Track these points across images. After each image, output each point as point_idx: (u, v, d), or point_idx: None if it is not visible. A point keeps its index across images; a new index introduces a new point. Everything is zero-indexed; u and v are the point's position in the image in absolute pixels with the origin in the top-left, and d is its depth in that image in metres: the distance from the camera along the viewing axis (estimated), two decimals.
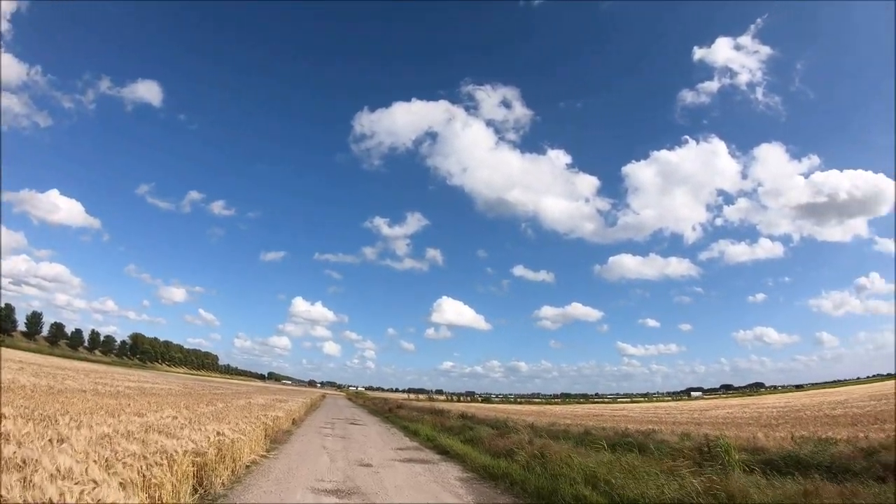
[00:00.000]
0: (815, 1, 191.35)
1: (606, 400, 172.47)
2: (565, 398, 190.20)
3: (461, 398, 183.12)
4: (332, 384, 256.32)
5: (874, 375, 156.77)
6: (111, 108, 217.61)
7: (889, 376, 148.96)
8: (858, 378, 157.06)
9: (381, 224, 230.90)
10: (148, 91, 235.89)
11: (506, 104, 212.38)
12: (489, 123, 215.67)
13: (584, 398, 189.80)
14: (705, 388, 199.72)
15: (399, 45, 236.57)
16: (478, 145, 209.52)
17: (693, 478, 10.60)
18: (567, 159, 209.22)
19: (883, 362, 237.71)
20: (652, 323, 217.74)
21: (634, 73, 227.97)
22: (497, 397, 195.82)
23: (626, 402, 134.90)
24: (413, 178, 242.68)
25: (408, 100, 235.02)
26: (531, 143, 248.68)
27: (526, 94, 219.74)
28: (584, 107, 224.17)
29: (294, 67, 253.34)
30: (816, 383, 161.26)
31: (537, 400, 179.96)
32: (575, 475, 12.23)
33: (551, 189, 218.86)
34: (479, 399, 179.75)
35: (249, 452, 13.93)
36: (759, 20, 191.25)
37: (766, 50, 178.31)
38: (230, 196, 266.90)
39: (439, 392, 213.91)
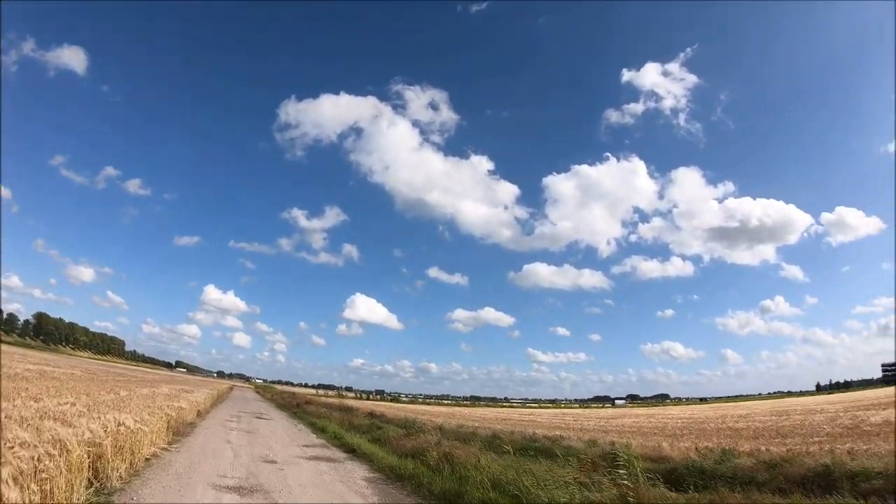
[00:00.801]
0: (742, 38, 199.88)
1: (515, 404, 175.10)
2: (475, 401, 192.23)
3: (371, 396, 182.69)
4: (241, 376, 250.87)
5: (775, 392, 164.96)
6: (33, 72, 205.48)
7: (789, 393, 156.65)
8: (760, 394, 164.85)
9: (299, 216, 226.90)
10: (73, 57, 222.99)
11: (433, 106, 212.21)
12: (415, 124, 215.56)
13: (494, 402, 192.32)
14: (612, 397, 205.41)
15: (333, 38, 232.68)
16: (402, 144, 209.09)
17: (605, 486, 10.75)
18: (489, 166, 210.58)
19: (783, 380, 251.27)
20: (562, 331, 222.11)
21: (563, 88, 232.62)
22: (406, 397, 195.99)
23: (535, 408, 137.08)
24: (335, 172, 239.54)
25: (336, 93, 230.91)
26: (455, 146, 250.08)
27: (454, 99, 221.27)
28: (511, 116, 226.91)
29: (226, 50, 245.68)
30: (720, 397, 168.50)
31: (447, 401, 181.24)
32: (483, 479, 12.27)
33: (471, 194, 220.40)
34: (389, 398, 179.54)
35: (150, 444, 13.52)
36: (688, 49, 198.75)
37: (692, 78, 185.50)
38: (147, 175, 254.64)
39: (349, 389, 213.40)
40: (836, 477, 13.38)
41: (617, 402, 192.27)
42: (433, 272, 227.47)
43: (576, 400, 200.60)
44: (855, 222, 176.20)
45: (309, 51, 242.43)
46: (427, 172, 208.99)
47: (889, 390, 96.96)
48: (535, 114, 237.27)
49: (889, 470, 13.15)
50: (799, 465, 14.80)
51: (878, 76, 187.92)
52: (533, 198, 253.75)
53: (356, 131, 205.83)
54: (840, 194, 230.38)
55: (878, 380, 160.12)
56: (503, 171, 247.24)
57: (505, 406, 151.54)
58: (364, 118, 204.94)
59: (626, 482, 10.63)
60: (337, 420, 31.88)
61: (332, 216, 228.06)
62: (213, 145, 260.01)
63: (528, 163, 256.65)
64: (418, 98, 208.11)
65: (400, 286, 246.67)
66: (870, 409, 43.88)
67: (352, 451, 19.82)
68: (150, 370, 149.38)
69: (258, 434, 22.95)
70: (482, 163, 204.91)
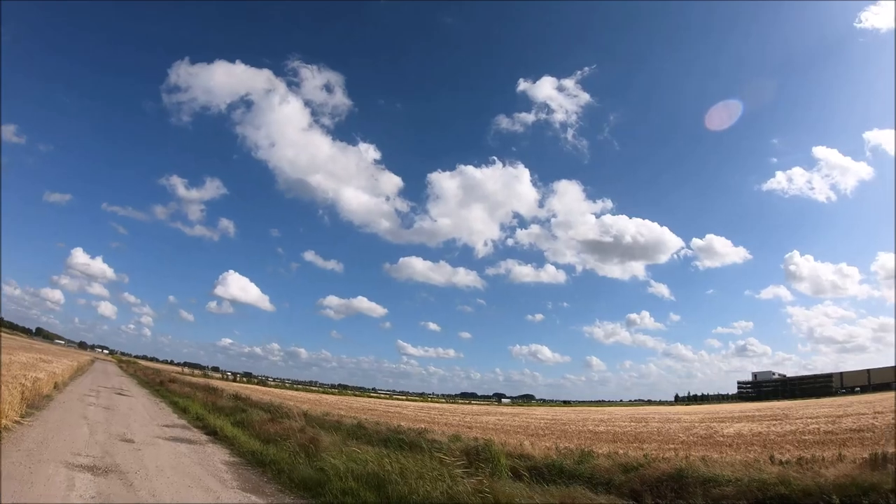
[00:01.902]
0: (638, 67, 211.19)
1: (383, 395, 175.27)
2: (343, 389, 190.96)
3: (238, 378, 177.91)
4: (104, 348, 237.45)
5: (636, 400, 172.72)
6: None
7: (649, 402, 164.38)
8: (621, 401, 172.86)
9: (178, 184, 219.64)
10: None
11: (328, 88, 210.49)
12: (307, 104, 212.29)
13: (362, 391, 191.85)
14: (479, 394, 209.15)
15: (237, 3, 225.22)
16: (291, 123, 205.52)
17: (466, 479, 10.67)
18: (376, 155, 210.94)
19: (644, 389, 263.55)
20: (433, 326, 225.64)
21: (460, 89, 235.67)
22: (274, 381, 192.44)
23: (403, 400, 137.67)
24: (220, 142, 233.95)
25: (232, 61, 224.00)
26: (344, 132, 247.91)
27: (350, 83, 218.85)
28: (404, 109, 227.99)
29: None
30: (583, 401, 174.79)
31: (315, 388, 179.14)
32: (344, 468, 12.03)
33: (355, 181, 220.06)
34: (256, 381, 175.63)
35: (1, 417, 12.51)
36: (586, 68, 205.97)
37: (585, 97, 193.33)
38: (24, 123, 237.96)
39: (216, 369, 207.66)
40: (689, 482, 13.83)
41: (504, 400, 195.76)
42: (309, 256, 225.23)
43: (443, 395, 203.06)
44: (723, 250, 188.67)
45: (210, 13, 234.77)
46: (313, 154, 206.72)
47: (743, 405, 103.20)
48: (427, 109, 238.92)
49: (740, 477, 13.74)
50: (654, 469, 15.24)
51: (759, 120, 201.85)
52: (416, 192, 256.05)
53: (247, 103, 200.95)
54: (712, 223, 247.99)
55: (733, 395, 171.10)
56: (389, 161, 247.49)
57: (373, 396, 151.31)
58: (257, 91, 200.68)
59: (480, 477, 10.59)
60: (200, 400, 31.05)
61: (213, 188, 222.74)
62: (96, 100, 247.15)
63: (414, 157, 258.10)
64: (314, 78, 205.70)
65: (275, 267, 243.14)
66: (724, 422, 46.40)
67: (213, 434, 19.46)
68: (7, 335, 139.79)
69: (117, 411, 22.09)
70: (369, 151, 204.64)
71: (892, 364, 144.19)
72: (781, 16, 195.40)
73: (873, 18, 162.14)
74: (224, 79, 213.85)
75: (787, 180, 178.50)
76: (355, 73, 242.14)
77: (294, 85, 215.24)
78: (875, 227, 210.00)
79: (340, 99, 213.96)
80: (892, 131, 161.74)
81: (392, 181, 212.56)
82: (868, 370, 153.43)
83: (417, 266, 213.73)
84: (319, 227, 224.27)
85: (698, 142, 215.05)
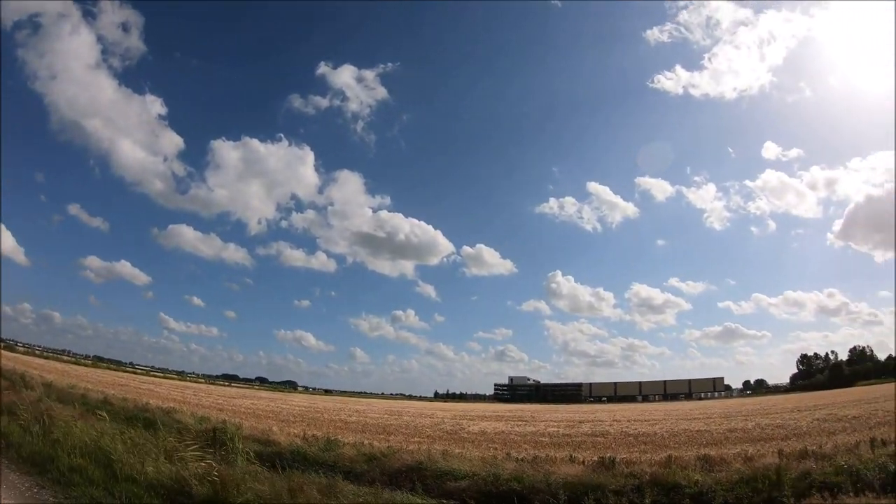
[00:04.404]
0: (440, 75, 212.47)
1: (140, 371, 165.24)
2: (97, 361, 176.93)
3: None
4: None
5: (397, 394, 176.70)
6: None
7: (410, 397, 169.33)
8: (382, 393, 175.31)
9: None
10: None
11: (125, 27, 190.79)
12: (100, 39, 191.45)
13: (118, 365, 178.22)
14: (241, 377, 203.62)
15: None
16: (78, 57, 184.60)
17: (196, 462, 10.37)
18: (162, 110, 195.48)
19: (405, 384, 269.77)
20: (198, 301, 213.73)
21: (260, 59, 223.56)
22: (23, 346, 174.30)
23: (159, 377, 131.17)
24: None
25: None
26: (132, 79, 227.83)
27: (149, 28, 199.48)
28: (199, 67, 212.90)
29: None
30: (345, 391, 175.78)
31: (66, 358, 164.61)
32: (76, 444, 11.29)
33: (134, 134, 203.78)
34: (3, 345, 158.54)
35: None
36: (389, 64, 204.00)
37: (382, 92, 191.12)
38: None
39: None
40: (428, 474, 14.37)
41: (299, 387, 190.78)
42: (74, 209, 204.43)
43: (204, 375, 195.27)
44: (491, 261, 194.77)
45: None
46: (95, 97, 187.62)
47: (496, 406, 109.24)
48: (223, 73, 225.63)
49: (477, 472, 14.48)
50: (396, 460, 15.74)
51: (545, 147, 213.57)
52: (196, 157, 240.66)
53: (34, 25, 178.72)
54: (484, 234, 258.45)
55: (490, 396, 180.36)
56: (174, 120, 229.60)
57: (129, 371, 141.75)
58: (49, 13, 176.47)
59: (209, 461, 10.36)
60: None
61: None
62: None
63: (200, 119, 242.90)
64: (113, 13, 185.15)
65: (34, 216, 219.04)
66: (473, 420, 48.54)
67: None
68: None
69: None
70: (155, 105, 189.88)
71: (636, 380, 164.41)
72: (588, 57, 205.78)
73: (665, 82, 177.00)
74: None
75: (560, 207, 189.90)
76: (157, 18, 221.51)
77: (90, 16, 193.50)
78: (633, 260, 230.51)
79: (135, 42, 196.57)
80: (664, 181, 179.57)
81: (173, 141, 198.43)
82: (615, 383, 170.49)
83: (187, 235, 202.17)
84: (89, 178, 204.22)
85: (483, 155, 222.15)
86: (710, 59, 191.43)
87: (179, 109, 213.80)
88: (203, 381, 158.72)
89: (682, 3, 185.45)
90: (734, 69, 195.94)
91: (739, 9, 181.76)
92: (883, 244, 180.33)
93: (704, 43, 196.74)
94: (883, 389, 70.51)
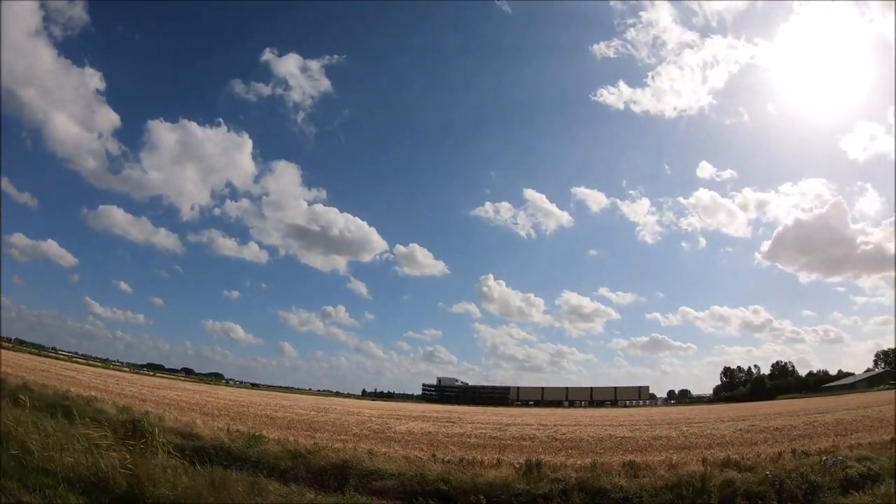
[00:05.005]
0: (384, 72, 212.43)
1: (62, 356, 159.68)
2: (18, 345, 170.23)
3: None
4: None
5: (325, 390, 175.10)
6: None
7: (337, 394, 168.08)
8: (310, 389, 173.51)
9: None
10: None
11: None
12: (42, 6, 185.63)
13: (39, 350, 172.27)
14: (166, 367, 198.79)
15: None
16: (19, 22, 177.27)
17: (111, 453, 10.03)
18: (101, 85, 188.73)
19: (333, 381, 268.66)
20: (125, 287, 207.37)
21: (204, 41, 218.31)
22: None
23: (82, 364, 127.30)
24: None
25: None
26: (73, 49, 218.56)
27: None
28: (143, 43, 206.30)
29: None
30: (273, 386, 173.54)
31: None
32: None
33: (70, 107, 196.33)
34: None
35: None
36: (335, 56, 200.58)
37: (326, 83, 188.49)
38: None
39: None
40: (353, 473, 14.22)
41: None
42: (2, 182, 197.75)
43: (129, 364, 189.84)
44: (424, 261, 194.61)
45: None
46: (32, 65, 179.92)
47: (424, 406, 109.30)
48: (166, 51, 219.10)
49: (403, 472, 14.38)
50: (322, 458, 15.56)
51: (484, 151, 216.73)
52: (132, 136, 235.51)
53: None
54: (418, 234, 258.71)
55: (418, 396, 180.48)
56: (112, 96, 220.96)
57: (51, 356, 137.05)
58: None
59: (127, 453, 10.04)
60: None
61: None
62: None
63: (139, 97, 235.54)
64: None
65: None
66: (401, 419, 48.37)
67: None
68: None
69: None
70: (94, 79, 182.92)
71: (563, 385, 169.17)
72: (534, 65, 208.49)
73: (608, 97, 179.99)
74: None
75: (495, 211, 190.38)
76: None
77: None
78: (565, 268, 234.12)
79: (79, 12, 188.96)
80: (600, 193, 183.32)
81: (110, 118, 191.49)
82: (542, 388, 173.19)
83: (118, 217, 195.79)
84: (20, 151, 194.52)
85: (422, 155, 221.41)
86: (653, 77, 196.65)
87: (119, 85, 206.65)
88: (128, 369, 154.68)
89: (630, 21, 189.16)
90: (676, 89, 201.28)
91: (686, 31, 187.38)
92: (808, 266, 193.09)
93: (649, 61, 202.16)
94: (803, 403, 73.49)
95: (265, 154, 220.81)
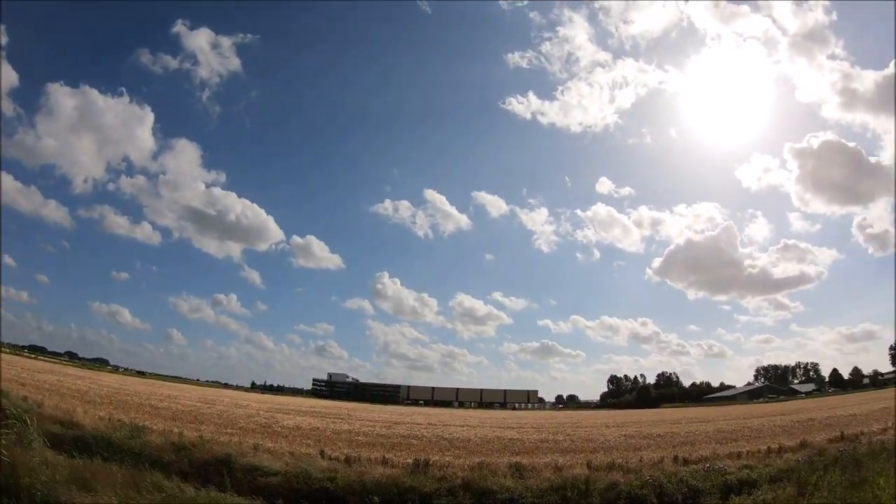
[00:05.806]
0: (299, 57, 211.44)
1: None
2: None
3: None
4: None
5: (213, 381, 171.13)
6: None
7: (226, 385, 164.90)
8: (199, 380, 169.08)
9: None
10: None
11: None
12: None
13: None
14: (49, 350, 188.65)
15: None
16: None
17: None
18: (3, 40, 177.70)
19: (223, 371, 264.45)
20: (9, 261, 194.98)
21: (113, 4, 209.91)
22: None
23: None
24: None
25: None
26: None
27: None
28: (57, 8, 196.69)
29: None
30: (161, 374, 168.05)
31: None
32: None
33: None
34: None
35: None
36: (249, 35, 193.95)
37: (236, 63, 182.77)
38: None
39: None
40: (237, 468, 14.06)
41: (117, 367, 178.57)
42: None
43: (9, 345, 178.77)
44: (320, 254, 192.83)
45: None
46: None
47: (313, 401, 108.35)
48: (74, 11, 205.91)
49: (289, 469, 14.30)
50: (206, 452, 15.32)
51: (388, 149, 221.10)
52: (29, 98, 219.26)
53: None
54: (316, 226, 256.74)
55: (308, 391, 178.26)
56: (12, 52, 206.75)
57: None
58: None
59: None
60: None
61: None
62: None
63: (42, 55, 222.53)
64: None
65: None
66: (289, 414, 48.10)
67: None
68: None
69: None
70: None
71: (454, 386, 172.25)
72: (446, 67, 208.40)
73: (516, 105, 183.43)
74: None
75: (395, 209, 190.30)
76: None
77: None
78: (461, 270, 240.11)
79: None
80: (500, 199, 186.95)
81: (7, 77, 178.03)
82: (433, 388, 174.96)
83: (6, 184, 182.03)
84: None
85: (326, 146, 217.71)
86: (563, 91, 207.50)
87: (19, 41, 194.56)
88: (7, 350, 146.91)
89: (547, 35, 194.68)
90: (584, 105, 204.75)
91: (600, 51, 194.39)
92: (696, 284, 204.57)
93: (561, 76, 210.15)
94: (684, 412, 76.96)
95: (166, 130, 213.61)
